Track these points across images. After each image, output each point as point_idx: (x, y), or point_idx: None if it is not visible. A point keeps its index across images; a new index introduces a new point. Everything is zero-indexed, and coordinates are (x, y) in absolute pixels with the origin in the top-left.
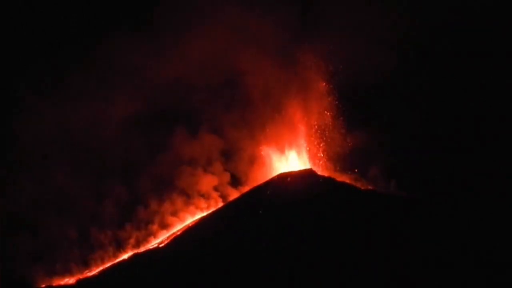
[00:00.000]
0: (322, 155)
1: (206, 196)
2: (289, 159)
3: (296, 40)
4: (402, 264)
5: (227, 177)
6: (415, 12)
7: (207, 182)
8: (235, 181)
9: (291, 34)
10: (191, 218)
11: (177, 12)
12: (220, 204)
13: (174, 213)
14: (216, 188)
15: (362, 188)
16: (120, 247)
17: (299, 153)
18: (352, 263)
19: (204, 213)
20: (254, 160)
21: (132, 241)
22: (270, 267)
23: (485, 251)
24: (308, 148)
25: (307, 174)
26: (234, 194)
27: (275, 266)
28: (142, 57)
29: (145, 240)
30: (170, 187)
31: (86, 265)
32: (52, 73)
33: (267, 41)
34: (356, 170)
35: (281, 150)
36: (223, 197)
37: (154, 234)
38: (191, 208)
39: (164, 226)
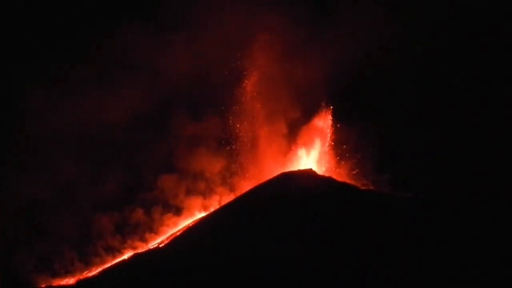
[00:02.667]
0: (322, 153)
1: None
2: (289, 158)
3: (302, 38)
4: (401, 264)
5: (234, 168)
6: (415, 11)
7: (215, 169)
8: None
9: (297, 31)
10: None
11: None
12: (227, 193)
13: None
14: (223, 179)
15: (362, 188)
16: (121, 235)
17: (299, 152)
18: (351, 263)
19: (203, 214)
20: (256, 156)
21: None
22: (271, 267)
23: (485, 251)
24: (308, 147)
25: (307, 174)
26: (241, 185)
27: (276, 266)
28: (147, 47)
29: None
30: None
31: (86, 265)
32: (57, 63)
33: (275, 36)
34: (349, 166)
35: (282, 149)
36: (231, 188)
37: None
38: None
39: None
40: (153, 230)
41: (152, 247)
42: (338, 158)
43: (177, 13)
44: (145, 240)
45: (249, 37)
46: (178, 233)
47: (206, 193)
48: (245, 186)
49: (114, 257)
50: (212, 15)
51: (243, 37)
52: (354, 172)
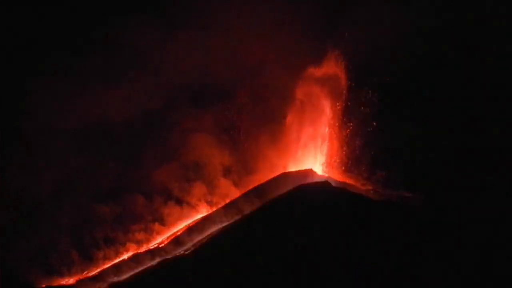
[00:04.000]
0: (322, 154)
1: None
2: (289, 156)
3: (306, 36)
4: (401, 263)
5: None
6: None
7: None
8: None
9: (302, 29)
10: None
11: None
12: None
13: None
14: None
15: (362, 187)
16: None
17: (301, 153)
18: (351, 262)
19: (204, 214)
20: (258, 152)
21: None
22: (271, 267)
23: (485, 250)
24: (309, 147)
25: (307, 174)
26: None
27: (276, 266)
28: (149, 42)
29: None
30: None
31: (86, 265)
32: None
33: (282, 32)
34: (349, 166)
35: (283, 146)
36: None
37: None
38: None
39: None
40: (156, 220)
41: (152, 247)
42: (338, 158)
43: (183, 8)
44: (148, 231)
45: (253, 34)
46: (179, 233)
47: (209, 186)
48: (248, 181)
49: (117, 250)
50: (220, 10)
51: (247, 34)
52: (354, 171)
